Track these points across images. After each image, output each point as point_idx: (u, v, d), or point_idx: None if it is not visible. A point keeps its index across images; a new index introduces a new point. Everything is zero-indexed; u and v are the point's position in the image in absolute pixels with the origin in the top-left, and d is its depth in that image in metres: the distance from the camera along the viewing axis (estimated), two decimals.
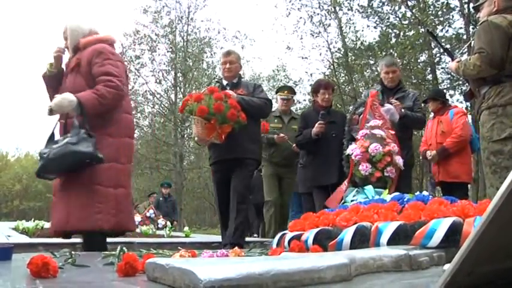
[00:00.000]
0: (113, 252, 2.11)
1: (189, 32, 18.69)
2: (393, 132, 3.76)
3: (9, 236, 4.88)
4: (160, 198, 10.80)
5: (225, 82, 4.21)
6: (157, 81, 18.33)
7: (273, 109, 5.94)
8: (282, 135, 5.27)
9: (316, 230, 2.33)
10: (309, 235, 2.31)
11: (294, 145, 5.11)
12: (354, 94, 13.86)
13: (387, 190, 3.27)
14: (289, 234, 2.53)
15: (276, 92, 6.04)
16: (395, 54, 11.61)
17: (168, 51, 18.49)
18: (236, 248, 2.08)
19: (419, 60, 13.08)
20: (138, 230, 6.78)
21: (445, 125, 4.92)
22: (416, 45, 11.95)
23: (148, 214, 8.95)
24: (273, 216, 5.36)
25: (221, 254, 1.83)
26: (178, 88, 18.66)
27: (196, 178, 21.96)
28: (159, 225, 8.32)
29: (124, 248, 2.07)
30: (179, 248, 2.46)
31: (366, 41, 14.41)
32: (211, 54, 18.97)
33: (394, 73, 4.36)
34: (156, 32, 18.16)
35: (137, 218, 8.90)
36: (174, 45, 18.40)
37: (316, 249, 2.11)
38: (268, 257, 1.90)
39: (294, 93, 5.44)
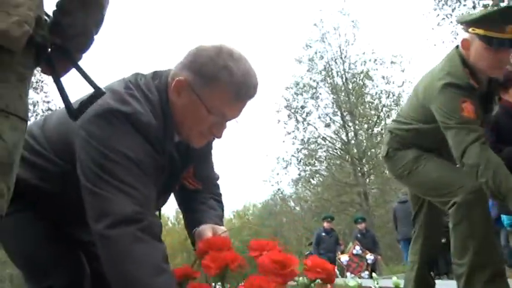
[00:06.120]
0: None
1: (346, 69, 18.85)
2: None
3: None
4: (358, 235, 10.67)
5: None
6: (326, 125, 18.67)
7: None
8: None
9: None
10: None
11: None
12: None
13: None
14: None
15: None
16: None
17: (329, 94, 18.82)
18: None
19: None
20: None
21: None
22: None
23: (355, 251, 8.84)
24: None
25: None
26: (347, 127, 18.70)
27: (385, 213, 21.21)
28: (369, 261, 8.15)
29: None
30: None
31: None
32: (373, 86, 18.74)
33: None
34: (314, 78, 18.71)
35: (344, 257, 8.87)
36: (334, 86, 18.68)
37: None
38: None
39: None
